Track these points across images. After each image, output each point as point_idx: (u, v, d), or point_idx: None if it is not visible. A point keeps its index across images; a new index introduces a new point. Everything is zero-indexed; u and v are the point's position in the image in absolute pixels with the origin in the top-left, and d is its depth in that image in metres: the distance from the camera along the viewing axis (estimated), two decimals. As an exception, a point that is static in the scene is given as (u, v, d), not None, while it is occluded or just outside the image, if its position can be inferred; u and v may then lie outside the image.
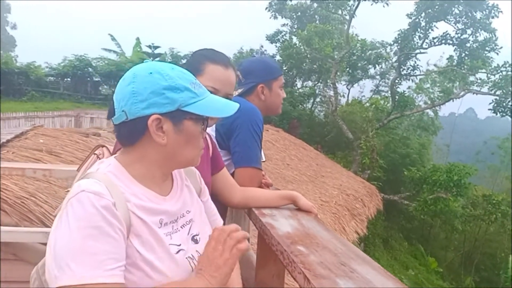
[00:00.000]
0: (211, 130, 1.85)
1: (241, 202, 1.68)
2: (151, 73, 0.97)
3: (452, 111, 41.94)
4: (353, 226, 9.23)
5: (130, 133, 0.98)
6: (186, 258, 1.02)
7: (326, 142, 18.78)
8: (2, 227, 2.56)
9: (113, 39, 27.58)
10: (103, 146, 1.35)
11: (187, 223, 1.09)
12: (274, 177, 9.81)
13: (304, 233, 1.38)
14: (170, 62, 1.05)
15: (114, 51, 27.85)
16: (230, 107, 1.04)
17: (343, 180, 11.73)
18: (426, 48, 16.76)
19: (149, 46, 26.30)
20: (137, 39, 28.02)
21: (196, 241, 1.09)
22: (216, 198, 1.54)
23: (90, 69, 27.73)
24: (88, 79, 28.50)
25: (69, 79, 27.93)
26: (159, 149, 0.99)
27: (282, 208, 1.68)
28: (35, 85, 25.98)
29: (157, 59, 22.76)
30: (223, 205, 1.67)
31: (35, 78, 25.95)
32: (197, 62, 1.55)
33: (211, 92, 1.26)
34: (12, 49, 49.19)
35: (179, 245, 1.02)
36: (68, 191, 0.94)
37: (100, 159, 1.43)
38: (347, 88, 22.34)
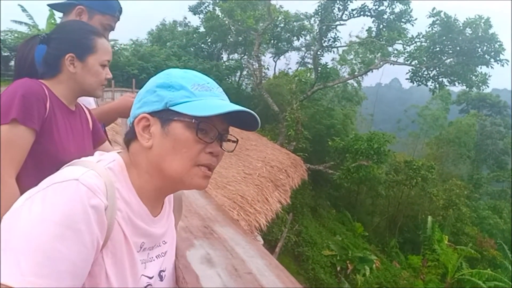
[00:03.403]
0: (94, 103, 1.85)
1: None
2: (159, 73, 0.90)
3: (379, 82, 44.05)
4: (276, 197, 9.24)
5: (128, 135, 0.89)
6: None
7: (254, 115, 18.63)
8: None
9: (24, 10, 25.25)
10: None
11: (162, 255, 0.95)
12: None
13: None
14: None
15: (26, 23, 25.55)
16: (227, 107, 0.82)
17: (267, 153, 11.74)
18: (345, 20, 17.01)
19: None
20: (51, 10, 25.71)
21: (161, 278, 0.94)
22: None
23: None
24: (-3, 54, 25.88)
25: (-29, 55, 25.19)
26: (146, 154, 0.85)
27: None
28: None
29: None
30: None
31: None
32: (84, 39, 1.42)
33: (105, 65, 1.43)
34: None
35: (151, 277, 0.90)
36: None
37: None
38: (274, 61, 22.34)
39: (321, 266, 12.12)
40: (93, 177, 0.76)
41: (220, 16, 19.06)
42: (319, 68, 16.87)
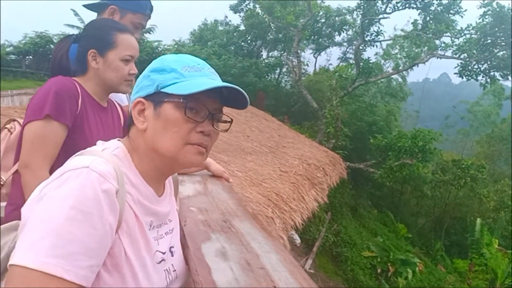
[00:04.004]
0: (126, 100, 1.92)
1: None
2: (155, 59, 0.94)
3: (427, 77, 42.37)
4: (313, 195, 9.09)
5: (128, 121, 0.95)
6: (164, 270, 0.95)
7: (293, 112, 18.56)
8: None
9: (76, 14, 26.67)
10: (14, 120, 1.41)
11: (170, 231, 1.01)
12: (233, 148, 9.57)
13: (204, 196, 1.49)
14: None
15: (78, 27, 26.96)
16: (213, 83, 0.86)
17: (305, 150, 11.60)
18: (389, 13, 16.44)
19: (112, 21, 25.51)
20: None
21: (172, 254, 1.01)
22: None
23: (52, 46, 26.83)
24: (50, 56, 27.57)
25: (31, 57, 27.13)
26: (142, 137, 0.90)
27: (195, 174, 1.75)
28: (-7, 64, 25.07)
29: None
30: None
31: None
32: (106, 35, 1.48)
33: (128, 61, 1.47)
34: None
35: (164, 253, 0.96)
36: None
37: (11, 133, 1.56)
38: (314, 57, 22.07)
39: (361, 268, 11.83)
40: (102, 163, 0.80)
41: (260, 14, 19.07)
42: (361, 63, 16.44)
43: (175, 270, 1.00)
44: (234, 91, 0.89)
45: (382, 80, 19.39)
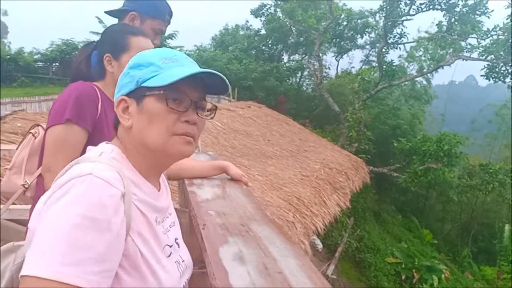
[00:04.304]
0: None
1: (174, 174, 1.71)
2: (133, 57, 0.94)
3: (453, 79, 41.35)
4: (335, 200, 8.99)
5: (114, 121, 0.96)
6: (175, 262, 0.96)
7: (314, 116, 18.45)
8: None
9: (101, 21, 27.33)
10: (38, 125, 1.44)
11: (172, 224, 1.03)
12: (254, 153, 9.57)
13: (222, 200, 1.49)
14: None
15: (102, 32, 27.55)
16: (190, 70, 0.86)
17: (327, 154, 11.49)
18: (413, 15, 16.18)
19: (136, 27, 26.09)
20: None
21: (178, 245, 1.03)
22: None
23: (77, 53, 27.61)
24: (74, 62, 28.55)
25: (57, 64, 27.89)
26: (129, 134, 0.91)
27: (214, 178, 1.75)
28: (25, 71, 26.09)
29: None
30: None
31: (24, 64, 26.06)
32: (119, 38, 1.52)
33: None
34: (5, 36, 48.72)
35: (171, 246, 0.97)
36: None
37: (36, 137, 1.59)
38: (336, 60, 21.90)
39: (384, 274, 11.60)
40: (106, 169, 0.80)
41: (281, 18, 19.09)
42: (384, 66, 16.20)
43: (184, 261, 1.02)
44: (215, 77, 0.89)
45: (406, 82, 19.05)
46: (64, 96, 1.43)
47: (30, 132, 1.63)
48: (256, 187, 6.47)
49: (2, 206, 2.63)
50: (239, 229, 1.19)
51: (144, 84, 0.87)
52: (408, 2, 15.85)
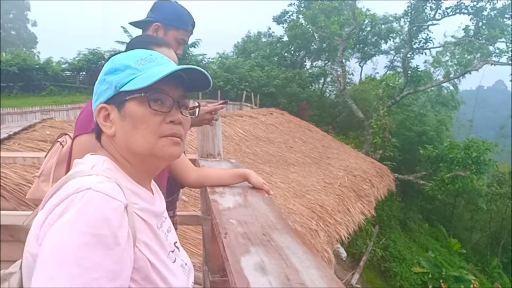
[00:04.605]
0: None
1: (196, 182, 1.75)
2: (107, 62, 0.91)
3: (481, 85, 40.26)
4: (359, 208, 8.86)
5: (96, 131, 0.92)
6: (180, 266, 0.94)
7: (338, 122, 18.28)
8: (1, 211, 2.71)
9: (126, 31, 28.00)
10: (65, 134, 1.46)
11: (169, 229, 1.00)
12: (276, 159, 9.54)
13: (243, 208, 1.49)
14: None
15: (127, 43, 28.09)
16: (169, 69, 0.83)
17: (350, 161, 11.35)
18: (439, 19, 15.91)
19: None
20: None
21: (178, 249, 1.00)
22: (173, 178, 1.69)
23: (103, 62, 28.35)
24: (100, 72, 29.40)
25: (84, 73, 28.70)
26: (113, 142, 0.88)
27: (235, 186, 1.75)
28: (53, 80, 26.93)
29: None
30: (178, 184, 1.81)
31: (52, 73, 26.89)
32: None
33: None
34: (34, 46, 50.66)
35: (173, 251, 0.94)
36: None
37: (63, 146, 1.61)
38: (360, 66, 21.69)
39: (411, 284, 11.32)
40: (104, 181, 0.77)
41: (303, 24, 19.07)
42: (409, 72, 15.95)
43: (186, 264, 0.99)
44: (195, 73, 0.87)
45: (432, 88, 18.69)
46: (90, 106, 1.47)
47: (58, 141, 1.68)
48: (279, 194, 6.44)
49: (30, 212, 2.73)
50: (261, 238, 1.18)
51: (123, 89, 0.84)
52: (433, 6, 15.60)
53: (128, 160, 0.88)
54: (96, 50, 27.78)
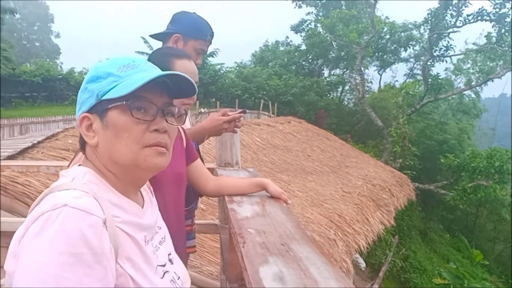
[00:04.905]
0: (189, 123, 2.00)
1: (214, 191, 1.74)
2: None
3: (504, 92, 39.37)
4: (379, 217, 8.73)
5: (80, 141, 0.89)
6: (170, 281, 0.89)
7: (356, 131, 18.12)
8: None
9: (145, 42, 28.48)
10: None
11: (163, 240, 0.96)
12: (293, 168, 9.51)
13: (261, 218, 1.48)
14: None
15: (147, 54, 28.56)
16: (152, 74, 0.80)
17: (369, 170, 11.23)
18: (460, 27, 15.67)
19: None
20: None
21: (171, 262, 0.96)
22: (191, 187, 1.70)
23: None
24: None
25: (106, 83, 29.41)
26: (96, 152, 0.85)
27: (254, 195, 1.75)
28: (75, 90, 27.67)
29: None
30: (197, 193, 1.83)
31: (74, 83, 27.78)
32: (163, 62, 1.54)
33: None
34: (57, 56, 52.17)
35: (164, 265, 0.90)
36: None
37: None
38: (379, 74, 21.52)
39: (432, 296, 11.05)
40: (81, 196, 0.73)
41: (321, 33, 19.07)
42: (430, 79, 15.74)
43: (179, 278, 0.94)
44: (180, 80, 0.84)
45: (453, 96, 18.38)
46: None
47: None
48: (296, 203, 6.41)
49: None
50: (279, 248, 1.18)
51: (104, 97, 0.80)
52: (454, 14, 15.38)
53: (111, 171, 0.85)
54: None
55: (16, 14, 36.25)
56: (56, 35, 55.61)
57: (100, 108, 0.81)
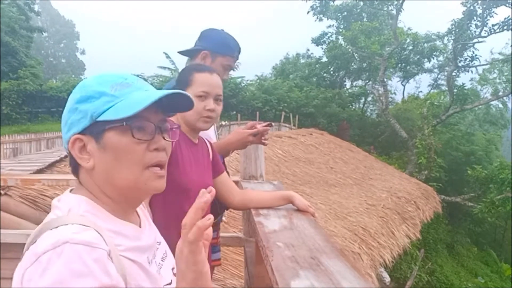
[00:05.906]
0: (215, 137, 2.02)
1: (241, 204, 1.75)
2: (74, 88, 0.83)
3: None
4: (404, 230, 8.58)
5: (71, 164, 0.83)
6: None
7: (380, 142, 17.88)
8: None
9: (168, 57, 28.98)
10: None
11: (165, 256, 0.93)
12: (316, 180, 9.46)
13: (289, 231, 1.48)
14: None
15: (169, 68, 29.13)
16: (153, 95, 0.78)
17: (394, 182, 11.05)
18: (485, 37, 15.39)
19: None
20: (189, 55, 29.14)
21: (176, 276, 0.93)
22: (217, 200, 1.70)
23: None
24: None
25: (130, 98, 29.91)
26: (92, 176, 0.80)
27: (280, 208, 1.75)
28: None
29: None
30: (223, 206, 1.83)
31: None
32: (185, 76, 1.60)
33: (202, 97, 1.52)
34: (82, 72, 53.82)
35: (170, 283, 0.87)
36: None
37: None
38: (402, 85, 21.27)
39: (460, 312, 10.69)
40: (82, 230, 0.70)
41: (342, 45, 19.05)
42: (455, 90, 15.46)
43: None
44: (175, 95, 0.81)
45: (480, 106, 17.99)
46: None
47: None
48: (319, 216, 6.36)
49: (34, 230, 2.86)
50: (309, 262, 1.17)
51: (100, 118, 0.77)
52: (479, 24, 15.14)
53: (108, 194, 0.82)
54: (140, 76, 28.77)
55: (44, 32, 37.56)
56: (82, 52, 57.39)
57: (96, 129, 0.78)
